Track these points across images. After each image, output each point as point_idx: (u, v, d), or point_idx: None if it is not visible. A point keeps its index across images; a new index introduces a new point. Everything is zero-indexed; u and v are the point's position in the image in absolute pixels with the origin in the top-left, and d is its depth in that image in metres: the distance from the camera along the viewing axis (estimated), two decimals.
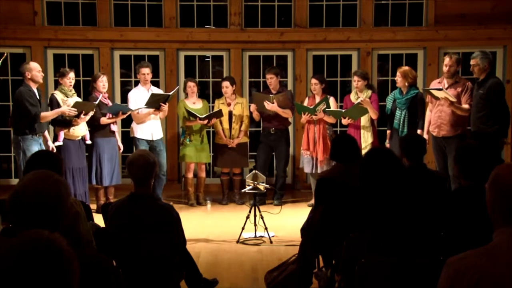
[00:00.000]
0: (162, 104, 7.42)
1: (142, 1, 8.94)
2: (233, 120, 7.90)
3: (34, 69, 6.69)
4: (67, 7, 8.90)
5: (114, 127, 7.47)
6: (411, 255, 2.97)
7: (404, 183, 3.37)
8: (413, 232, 3.08)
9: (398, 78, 7.15)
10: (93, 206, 7.12)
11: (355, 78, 7.52)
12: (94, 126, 7.32)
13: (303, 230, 4.51)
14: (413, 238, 3.06)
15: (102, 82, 7.33)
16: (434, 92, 6.75)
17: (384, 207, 3.12)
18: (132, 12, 8.94)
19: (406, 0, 9.00)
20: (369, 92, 7.49)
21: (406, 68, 7.23)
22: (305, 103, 7.79)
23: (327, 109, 7.46)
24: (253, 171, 6.52)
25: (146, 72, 7.61)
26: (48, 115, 6.83)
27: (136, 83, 8.79)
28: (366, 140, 7.38)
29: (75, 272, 1.54)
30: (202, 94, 8.60)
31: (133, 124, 7.67)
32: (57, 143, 6.99)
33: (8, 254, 1.48)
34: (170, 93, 7.60)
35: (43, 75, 6.92)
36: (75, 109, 6.86)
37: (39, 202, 2.20)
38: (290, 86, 8.90)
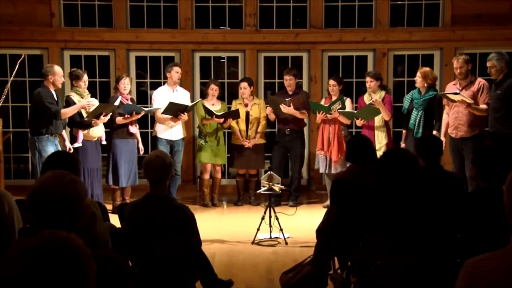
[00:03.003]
0: (181, 114, 7.47)
1: (158, 3, 8.98)
2: (250, 121, 7.91)
3: (58, 74, 6.73)
4: (84, 8, 8.97)
5: (132, 129, 7.47)
6: (427, 257, 2.95)
7: (420, 184, 3.35)
8: (430, 234, 3.06)
9: (418, 79, 7.12)
10: (109, 207, 7.16)
11: (368, 79, 7.50)
12: (112, 127, 7.36)
13: (319, 231, 4.49)
14: (429, 240, 3.04)
15: (124, 84, 7.37)
16: (450, 96, 6.71)
17: (400, 208, 3.10)
18: (147, 14, 8.99)
19: (423, 1, 8.95)
20: (383, 93, 7.46)
21: (426, 69, 7.20)
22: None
23: (340, 111, 7.44)
24: (268, 172, 6.51)
25: (179, 71, 7.71)
26: (69, 111, 6.86)
27: (152, 84, 8.86)
28: (380, 141, 7.34)
29: (92, 272, 1.55)
30: (219, 95, 8.62)
31: (157, 123, 7.73)
32: (76, 145, 7.02)
33: (25, 254, 1.49)
34: (189, 105, 7.62)
35: (63, 80, 6.98)
36: (93, 102, 6.91)
37: (57, 201, 2.22)
38: (305, 87, 8.89)
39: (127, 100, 7.42)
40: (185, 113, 7.56)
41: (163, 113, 7.45)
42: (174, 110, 7.44)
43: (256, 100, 8.04)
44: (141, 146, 7.62)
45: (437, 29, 8.83)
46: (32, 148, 6.72)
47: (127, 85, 7.40)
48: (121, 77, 7.44)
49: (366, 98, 7.54)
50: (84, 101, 6.92)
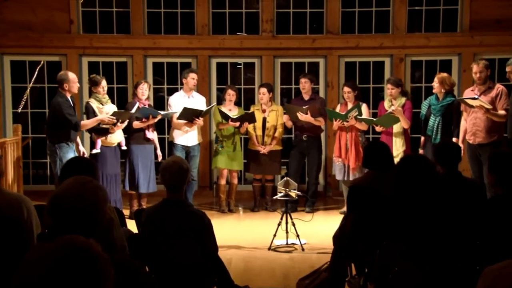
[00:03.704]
0: (196, 119, 7.49)
1: (175, 9, 9.04)
2: (267, 127, 7.91)
3: (72, 80, 6.77)
4: (102, 15, 9.06)
5: (150, 135, 7.50)
6: (446, 264, 2.93)
7: (438, 190, 3.32)
8: (448, 241, 3.03)
9: (435, 84, 7.07)
10: (126, 212, 7.20)
11: (388, 86, 7.45)
12: (129, 133, 7.40)
13: (335, 237, 4.48)
14: (448, 247, 3.01)
15: (142, 90, 7.41)
16: (468, 101, 6.65)
17: (418, 214, 3.08)
18: (165, 20, 9.05)
19: (441, 6, 8.90)
20: (403, 99, 7.40)
21: (444, 74, 7.15)
22: (337, 110, 7.75)
23: (358, 117, 7.41)
24: (285, 178, 6.50)
25: (196, 77, 7.75)
26: (88, 123, 6.94)
27: (169, 90, 8.90)
28: (397, 148, 7.28)
29: (110, 278, 1.56)
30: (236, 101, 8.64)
31: (173, 129, 7.76)
32: (94, 151, 7.06)
33: (44, 258, 1.50)
34: (204, 109, 7.64)
35: (79, 86, 7.03)
36: (114, 117, 6.96)
37: (78, 207, 2.23)
38: (321, 93, 8.88)
39: (144, 105, 7.46)
40: (200, 118, 7.58)
41: (177, 118, 7.48)
42: (189, 115, 7.45)
43: (274, 106, 8.04)
44: (159, 152, 7.64)
45: (455, 35, 8.78)
46: (53, 156, 6.76)
47: (145, 91, 7.44)
48: (139, 83, 7.48)
49: (387, 105, 7.48)
50: (105, 116, 6.95)
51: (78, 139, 7.22)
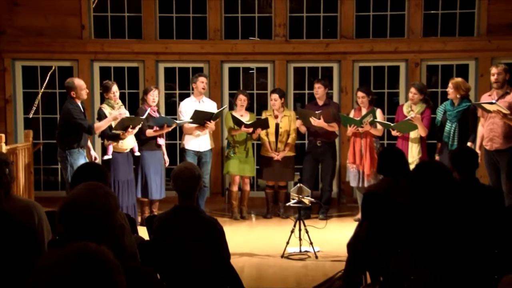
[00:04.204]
0: (207, 122, 7.50)
1: (187, 14, 9.08)
2: (280, 133, 7.91)
3: (80, 88, 6.76)
4: (114, 20, 9.12)
5: (160, 141, 7.55)
6: (462, 273, 2.90)
7: (455, 197, 3.30)
8: (465, 249, 3.00)
9: (450, 90, 7.02)
10: (138, 219, 7.22)
11: (412, 90, 7.38)
12: (140, 139, 7.42)
13: (350, 245, 4.46)
14: (465, 255, 2.98)
15: (153, 96, 7.43)
16: (485, 105, 6.60)
17: (434, 222, 3.06)
18: (177, 25, 9.09)
19: (457, 10, 8.86)
20: (423, 106, 7.34)
21: (458, 79, 7.10)
22: (351, 116, 7.73)
23: (376, 120, 7.38)
24: (298, 185, 6.49)
25: (205, 81, 7.74)
26: (102, 124, 6.95)
27: (181, 95, 8.93)
28: (413, 155, 7.23)
29: (122, 285, 1.56)
30: (247, 106, 8.64)
31: (184, 135, 7.78)
32: (106, 157, 7.08)
33: (55, 265, 1.51)
34: (215, 112, 7.65)
35: (87, 91, 7.06)
36: (125, 112, 6.98)
37: (89, 213, 2.24)
38: (335, 98, 8.86)
39: (154, 112, 7.48)
40: (212, 122, 7.58)
41: (189, 122, 7.48)
42: (200, 118, 7.46)
43: (287, 111, 8.04)
44: (166, 158, 7.67)
45: (472, 39, 8.73)
46: (63, 162, 6.78)
47: (155, 97, 7.47)
48: (150, 89, 7.49)
49: (406, 109, 7.43)
50: (115, 112, 7.00)
51: (90, 144, 7.26)
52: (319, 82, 7.92)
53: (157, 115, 7.59)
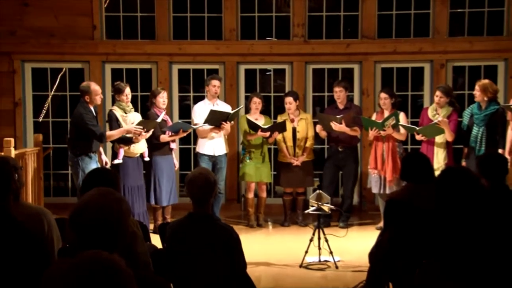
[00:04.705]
0: (223, 123, 7.51)
1: (202, 13, 9.11)
2: (297, 137, 7.90)
3: (95, 93, 6.82)
4: (126, 20, 9.18)
5: (173, 145, 7.61)
6: (491, 286, 2.87)
7: (483, 205, 3.27)
8: (494, 260, 2.97)
9: (477, 92, 6.97)
10: (150, 226, 7.25)
11: (438, 93, 7.33)
12: (153, 144, 7.45)
13: (371, 255, 4.43)
14: (493, 266, 2.95)
15: (163, 98, 7.47)
16: None
17: (461, 231, 3.03)
18: (191, 25, 9.13)
19: (485, 8, 8.79)
20: (450, 109, 7.29)
21: (485, 81, 7.04)
22: (373, 119, 7.70)
23: (400, 123, 7.34)
24: (317, 191, 6.47)
25: (217, 84, 7.74)
26: (114, 133, 7.00)
27: (195, 97, 8.96)
28: (439, 161, 7.18)
29: None
30: (263, 109, 8.65)
31: (199, 139, 7.81)
32: (116, 161, 7.12)
33: (67, 275, 1.52)
34: (231, 112, 7.65)
35: (102, 97, 7.10)
36: (141, 127, 7.02)
37: (100, 220, 2.25)
38: (356, 101, 8.84)
39: (165, 115, 7.52)
40: (227, 123, 7.59)
41: (205, 122, 7.50)
42: (216, 119, 7.47)
43: (303, 114, 8.03)
44: (176, 162, 7.70)
45: (501, 38, 8.66)
46: (75, 167, 6.83)
47: (165, 99, 7.51)
48: (158, 92, 7.51)
49: (430, 113, 7.38)
50: (131, 126, 7.02)
51: (101, 149, 7.32)
52: (339, 85, 7.88)
53: (167, 117, 7.62)
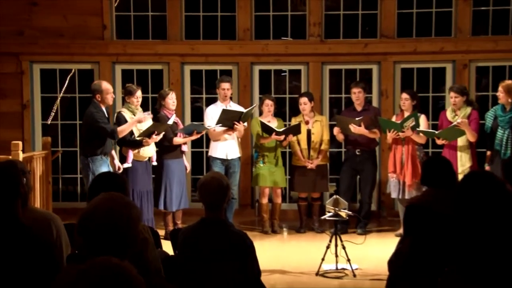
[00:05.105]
0: (236, 123, 7.50)
1: (215, 13, 9.13)
2: (312, 139, 7.89)
3: (107, 91, 6.87)
4: (137, 20, 9.22)
5: (184, 148, 7.63)
6: None
7: (509, 212, 3.24)
8: None
9: (500, 94, 6.93)
10: (161, 232, 7.27)
11: (452, 94, 7.32)
12: (165, 147, 7.47)
13: (391, 263, 4.41)
14: None
15: (172, 100, 7.49)
16: None
17: (485, 238, 3.01)
18: (204, 24, 9.15)
19: (510, 6, 8.74)
20: (468, 109, 7.27)
21: (510, 82, 7.01)
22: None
23: (418, 129, 7.31)
24: (334, 196, 6.47)
25: (226, 87, 7.74)
26: (125, 128, 6.96)
27: (207, 99, 8.98)
28: (463, 164, 7.14)
29: None
30: (278, 111, 8.65)
31: (211, 142, 7.81)
32: (126, 165, 7.13)
33: (76, 281, 1.53)
34: (245, 111, 7.65)
35: (113, 97, 7.14)
36: (150, 114, 7.05)
37: (109, 225, 2.26)
38: (375, 103, 8.81)
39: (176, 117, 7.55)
40: (241, 123, 7.58)
41: (217, 123, 7.50)
42: (229, 119, 7.47)
43: (318, 116, 8.02)
44: (187, 164, 7.73)
45: None
46: (85, 170, 6.86)
47: (175, 100, 7.53)
48: (166, 93, 7.52)
49: (449, 115, 7.36)
50: (140, 114, 7.06)
51: (114, 153, 7.30)
52: (358, 86, 7.87)
53: (178, 119, 7.65)
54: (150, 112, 7.41)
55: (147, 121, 7.17)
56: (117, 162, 7.25)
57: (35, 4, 9.01)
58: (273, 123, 7.86)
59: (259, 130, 7.79)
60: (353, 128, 7.56)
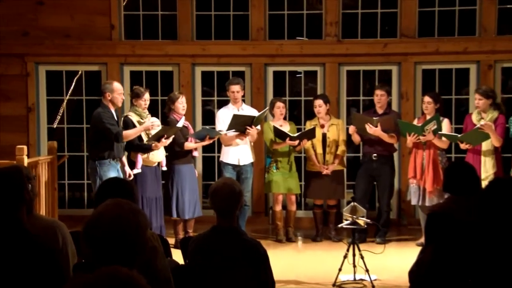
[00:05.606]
0: (248, 128, 7.50)
1: (227, 12, 9.15)
2: (328, 144, 7.88)
3: (117, 91, 6.91)
4: (146, 20, 9.27)
5: (195, 153, 7.66)
6: None
7: None
8: None
9: None
10: (171, 241, 7.28)
11: (476, 96, 7.28)
12: (175, 151, 7.49)
13: (412, 273, 4.39)
14: None
15: (182, 104, 7.50)
16: None
17: (510, 248, 2.99)
18: (215, 24, 9.17)
19: None
20: (495, 113, 7.22)
21: None
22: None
23: (440, 132, 7.27)
24: (352, 203, 6.45)
25: (235, 89, 7.74)
26: (131, 133, 7.00)
27: (219, 102, 9.00)
28: (487, 170, 7.10)
29: None
30: (292, 114, 8.65)
31: (222, 147, 7.83)
32: (135, 171, 7.14)
33: None
34: (256, 115, 7.65)
35: (123, 98, 7.17)
36: (158, 123, 7.07)
37: (117, 232, 2.26)
38: (394, 105, 8.79)
39: (185, 121, 7.57)
40: (253, 127, 7.59)
41: (228, 129, 7.52)
42: (240, 124, 7.48)
43: (334, 120, 8.01)
44: (195, 170, 7.75)
45: None
46: (93, 174, 6.88)
47: (185, 104, 7.54)
48: (177, 97, 7.52)
49: (475, 118, 7.32)
50: (148, 122, 7.08)
51: (125, 159, 7.26)
52: (382, 88, 7.84)
53: (188, 123, 7.67)
54: (158, 120, 7.37)
55: (156, 124, 7.19)
56: (127, 168, 7.18)
57: (41, 3, 9.06)
58: (285, 127, 7.86)
59: (272, 136, 7.78)
60: (369, 128, 7.53)
